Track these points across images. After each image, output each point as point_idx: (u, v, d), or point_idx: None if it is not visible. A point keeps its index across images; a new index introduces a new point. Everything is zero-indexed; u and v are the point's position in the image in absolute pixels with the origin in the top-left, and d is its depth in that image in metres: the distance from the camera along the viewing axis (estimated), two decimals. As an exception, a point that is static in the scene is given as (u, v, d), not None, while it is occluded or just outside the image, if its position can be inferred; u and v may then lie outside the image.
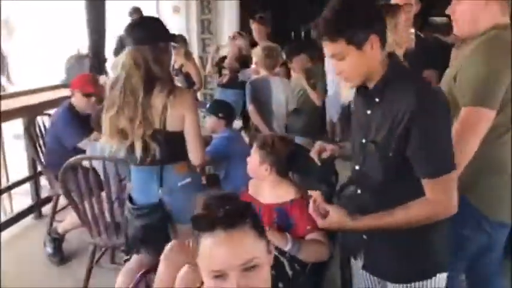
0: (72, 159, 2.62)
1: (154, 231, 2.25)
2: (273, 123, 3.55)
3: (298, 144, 2.53)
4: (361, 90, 1.55)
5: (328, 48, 1.44)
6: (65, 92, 4.00)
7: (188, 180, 2.22)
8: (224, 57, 5.08)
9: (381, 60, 1.45)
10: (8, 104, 3.72)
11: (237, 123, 4.11)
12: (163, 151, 2.11)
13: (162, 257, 2.10)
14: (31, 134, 3.52)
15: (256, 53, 3.66)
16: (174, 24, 5.98)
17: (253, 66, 4.69)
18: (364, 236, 1.62)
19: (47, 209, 4.09)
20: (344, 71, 1.47)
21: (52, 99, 4.04)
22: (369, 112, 1.52)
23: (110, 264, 3.17)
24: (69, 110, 3.36)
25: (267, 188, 2.12)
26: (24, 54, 8.06)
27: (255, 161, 2.10)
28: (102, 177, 2.68)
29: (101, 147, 2.52)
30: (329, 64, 4.31)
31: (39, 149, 3.55)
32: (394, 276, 1.59)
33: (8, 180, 4.02)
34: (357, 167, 1.60)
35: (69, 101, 3.42)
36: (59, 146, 3.33)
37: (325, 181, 2.16)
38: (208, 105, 3.43)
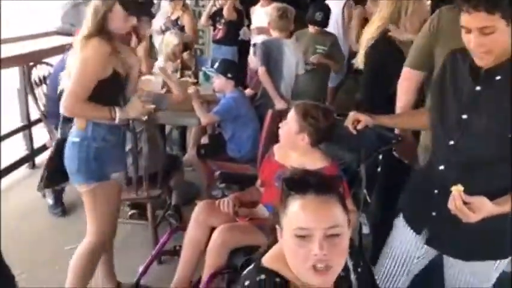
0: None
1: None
2: (281, 87, 3.57)
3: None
4: (469, 65, 1.52)
5: (478, 20, 1.39)
6: (60, 40, 3.86)
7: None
8: (220, 9, 4.98)
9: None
10: (3, 53, 3.55)
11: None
12: None
13: (192, 216, 2.17)
14: (26, 83, 3.42)
15: (269, 13, 3.61)
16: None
17: (253, 26, 4.65)
18: (434, 213, 1.66)
19: (39, 160, 4.04)
20: (484, 46, 1.43)
21: (48, 48, 3.88)
22: (478, 88, 1.51)
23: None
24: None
25: (295, 155, 2.16)
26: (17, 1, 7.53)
27: (291, 129, 2.10)
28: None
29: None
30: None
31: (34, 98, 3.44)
32: (462, 254, 1.65)
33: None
34: (451, 143, 1.58)
35: (72, 51, 3.30)
36: (59, 96, 3.24)
37: (355, 151, 2.26)
38: (216, 65, 3.40)
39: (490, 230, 1.55)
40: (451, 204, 1.47)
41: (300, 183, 1.22)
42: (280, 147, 2.26)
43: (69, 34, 3.78)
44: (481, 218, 1.46)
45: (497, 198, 1.48)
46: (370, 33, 2.64)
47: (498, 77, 1.48)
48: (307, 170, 1.32)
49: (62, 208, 3.37)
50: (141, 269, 2.45)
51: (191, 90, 3.33)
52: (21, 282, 2.48)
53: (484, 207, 1.45)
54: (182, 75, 4.02)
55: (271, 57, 3.50)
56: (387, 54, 2.60)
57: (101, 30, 1.99)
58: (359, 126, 2.02)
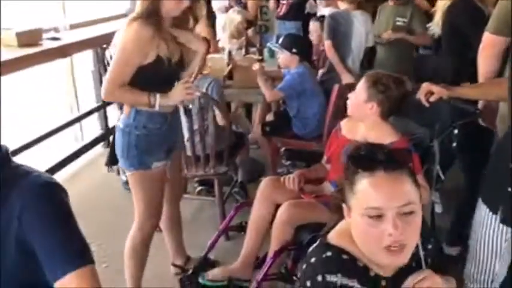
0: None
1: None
2: (349, 61, 3.46)
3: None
4: None
5: None
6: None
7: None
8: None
9: None
10: (75, 37, 3.72)
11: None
12: None
13: (257, 193, 2.17)
14: (99, 66, 3.56)
15: None
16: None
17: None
18: (510, 189, 1.57)
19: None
20: None
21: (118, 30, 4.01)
22: None
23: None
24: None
25: (364, 129, 2.08)
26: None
27: (359, 97, 2.01)
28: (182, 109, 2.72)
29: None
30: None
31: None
32: None
33: (78, 110, 4.13)
34: None
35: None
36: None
37: (428, 126, 2.14)
38: (281, 40, 3.35)
39: None
40: None
41: (367, 159, 1.16)
42: (348, 120, 2.19)
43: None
44: None
45: None
46: None
47: None
48: (373, 144, 1.25)
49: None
50: (209, 243, 2.51)
51: (256, 66, 3.32)
52: (99, 251, 2.66)
53: None
54: (247, 52, 4.01)
55: (338, 30, 3.39)
56: (465, 14, 2.42)
57: (151, 12, 1.90)
58: (432, 99, 1.91)
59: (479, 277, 1.78)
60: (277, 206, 2.10)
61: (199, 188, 3.34)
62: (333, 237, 1.26)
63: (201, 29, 3.60)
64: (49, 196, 1.04)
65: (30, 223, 0.99)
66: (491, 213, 1.69)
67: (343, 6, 3.48)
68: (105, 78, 1.97)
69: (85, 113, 4.12)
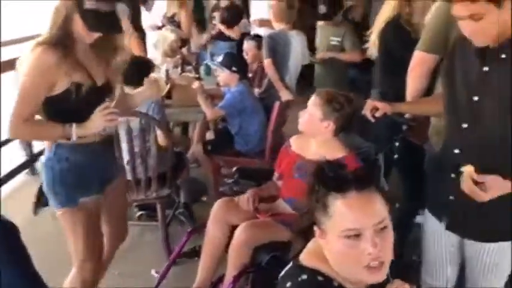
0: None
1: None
2: (286, 78, 3.50)
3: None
4: (475, 47, 1.50)
5: (465, 8, 1.40)
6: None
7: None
8: (216, 5, 4.90)
9: (509, 20, 1.41)
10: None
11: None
12: None
13: (211, 215, 2.09)
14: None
15: (275, 5, 3.52)
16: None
17: (253, 18, 4.56)
18: (451, 197, 1.63)
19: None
20: (478, 32, 1.43)
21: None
22: (486, 69, 1.50)
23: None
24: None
25: (315, 145, 2.09)
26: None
27: (314, 116, 2.02)
28: (123, 132, 2.60)
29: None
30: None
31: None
32: (482, 236, 1.64)
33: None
34: (465, 126, 1.57)
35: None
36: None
37: (372, 140, 2.20)
38: (220, 59, 3.32)
39: (506, 210, 1.54)
40: (463, 185, 1.49)
41: (337, 181, 1.15)
42: (298, 137, 2.20)
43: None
44: (494, 196, 1.46)
45: None
46: (383, 17, 2.57)
47: (503, 55, 1.47)
48: (333, 163, 1.25)
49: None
50: (153, 272, 2.38)
51: (196, 85, 3.26)
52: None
53: (496, 185, 1.46)
54: (183, 71, 3.94)
55: (277, 50, 3.44)
56: (396, 37, 2.54)
57: (60, 37, 1.69)
58: (377, 114, 1.96)
59: (434, 283, 1.84)
60: (232, 228, 2.05)
61: (139, 213, 3.18)
62: (305, 258, 1.24)
63: (131, 43, 3.49)
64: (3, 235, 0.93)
65: None
66: (437, 221, 1.76)
67: (280, 26, 3.53)
68: (10, 113, 1.70)
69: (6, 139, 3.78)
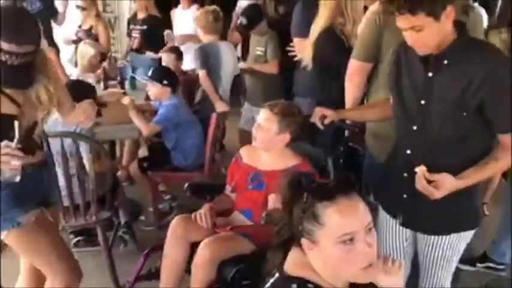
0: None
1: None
2: (220, 89, 3.51)
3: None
4: (418, 55, 1.62)
5: (406, 21, 1.52)
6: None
7: None
8: (133, 17, 4.77)
9: (449, 28, 1.56)
10: None
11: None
12: None
13: (168, 234, 2.05)
14: None
15: (202, 18, 3.51)
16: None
17: (176, 32, 4.50)
18: (405, 195, 1.74)
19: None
20: (420, 41, 1.56)
21: None
22: (430, 74, 1.62)
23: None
24: None
25: (268, 156, 2.13)
26: None
27: (269, 131, 2.05)
28: (55, 153, 2.44)
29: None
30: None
31: None
32: (435, 229, 1.77)
33: None
34: (414, 128, 1.68)
35: None
36: None
37: (320, 146, 2.29)
38: (150, 73, 3.24)
39: (456, 206, 1.69)
40: (417, 184, 1.61)
41: (328, 190, 1.19)
42: (247, 148, 2.22)
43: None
44: (446, 193, 1.59)
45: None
46: (317, 27, 2.68)
47: (446, 61, 1.61)
48: (304, 173, 1.30)
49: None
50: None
51: (126, 101, 3.15)
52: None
53: (446, 183, 1.60)
54: (106, 86, 3.78)
55: (208, 61, 3.42)
56: (330, 46, 2.66)
57: None
58: (326, 121, 2.04)
59: None
60: (192, 245, 2.01)
61: (75, 240, 2.99)
62: (291, 269, 1.25)
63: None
64: None
65: None
66: (390, 218, 1.88)
67: (209, 38, 3.52)
68: None
69: None
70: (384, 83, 1.97)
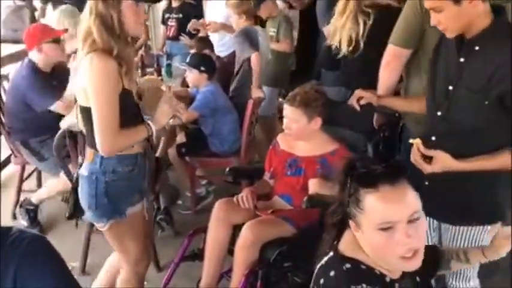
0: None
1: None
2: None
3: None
4: (455, 38, 1.62)
5: (428, 2, 1.57)
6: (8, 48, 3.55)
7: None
8: (169, 6, 4.83)
9: (482, 13, 1.54)
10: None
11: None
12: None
13: (212, 216, 2.11)
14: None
15: (243, 3, 3.51)
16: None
17: (209, 20, 4.53)
18: (426, 182, 1.70)
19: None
20: (441, 23, 1.57)
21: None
22: (462, 60, 1.61)
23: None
24: (34, 70, 2.99)
25: (305, 142, 2.16)
26: None
27: (301, 123, 2.09)
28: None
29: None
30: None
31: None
32: (456, 219, 1.76)
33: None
34: (439, 113, 1.68)
35: (29, 60, 3.04)
36: (25, 110, 3.01)
37: (359, 131, 2.29)
38: (188, 59, 3.30)
39: (480, 197, 1.67)
40: (411, 157, 1.62)
41: (371, 177, 1.20)
42: (284, 135, 2.25)
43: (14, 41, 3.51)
44: (440, 170, 1.61)
45: None
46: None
47: (477, 47, 1.59)
48: (365, 158, 1.31)
49: (39, 228, 3.13)
50: (164, 280, 2.31)
51: (164, 88, 3.21)
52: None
53: (440, 161, 1.60)
54: (144, 74, 3.86)
55: (254, 44, 3.45)
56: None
57: (113, 41, 1.67)
58: (362, 102, 2.04)
59: None
60: (234, 227, 2.08)
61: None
62: (345, 249, 1.28)
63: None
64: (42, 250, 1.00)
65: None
66: None
67: (246, 23, 3.52)
68: (97, 133, 1.68)
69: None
70: (426, 70, 1.93)
